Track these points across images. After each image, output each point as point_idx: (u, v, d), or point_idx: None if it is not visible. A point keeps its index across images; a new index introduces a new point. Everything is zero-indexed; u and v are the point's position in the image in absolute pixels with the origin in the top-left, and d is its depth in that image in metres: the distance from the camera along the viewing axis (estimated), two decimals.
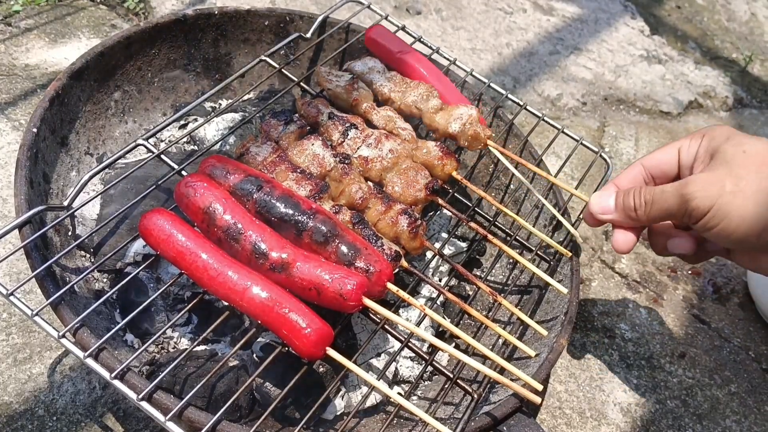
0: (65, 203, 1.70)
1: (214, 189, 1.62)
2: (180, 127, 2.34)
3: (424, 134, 2.37)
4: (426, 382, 2.03)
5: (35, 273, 1.53)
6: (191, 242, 1.52)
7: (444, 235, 2.32)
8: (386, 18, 2.49)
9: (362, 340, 1.93)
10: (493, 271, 2.31)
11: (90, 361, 1.43)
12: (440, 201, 1.94)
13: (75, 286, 1.68)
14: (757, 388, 2.46)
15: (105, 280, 1.91)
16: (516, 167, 2.08)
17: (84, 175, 1.74)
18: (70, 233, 1.90)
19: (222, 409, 1.41)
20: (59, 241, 1.82)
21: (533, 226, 2.03)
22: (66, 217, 1.69)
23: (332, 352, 1.48)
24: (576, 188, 2.14)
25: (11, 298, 1.47)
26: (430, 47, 2.45)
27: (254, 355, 1.80)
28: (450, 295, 1.73)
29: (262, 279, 1.50)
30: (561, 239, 2.04)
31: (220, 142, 2.05)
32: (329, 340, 1.48)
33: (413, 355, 1.97)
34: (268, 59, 2.16)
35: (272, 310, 1.46)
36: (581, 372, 2.36)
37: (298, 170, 1.81)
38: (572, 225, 2.05)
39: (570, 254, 1.99)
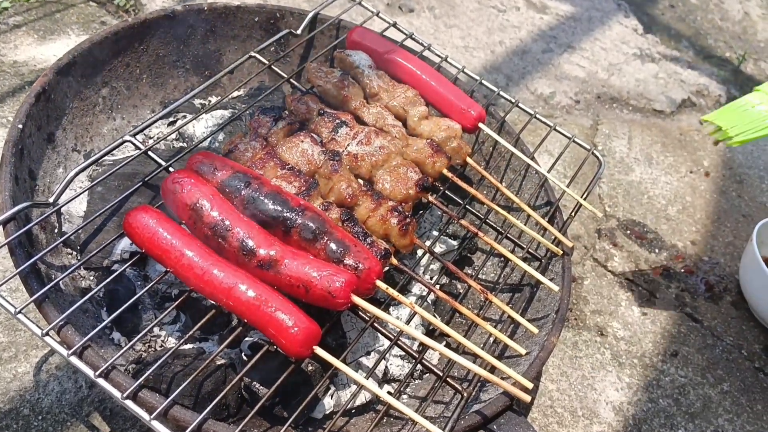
0: (51, 200, 1.68)
1: (202, 185, 1.60)
2: (168, 124, 2.32)
3: None
4: (416, 381, 2.02)
5: (19, 270, 1.51)
6: (176, 240, 1.50)
7: (435, 232, 2.30)
8: (377, 15, 2.47)
9: (351, 339, 1.91)
10: (485, 269, 2.29)
11: (74, 359, 1.41)
12: (431, 198, 1.93)
13: (61, 283, 1.66)
14: (750, 386, 2.45)
15: (91, 277, 1.89)
16: (501, 181, 2.07)
17: (70, 172, 1.72)
18: (56, 230, 1.88)
19: (208, 408, 1.39)
20: (45, 239, 1.80)
21: (525, 224, 2.01)
22: (51, 213, 1.67)
23: (320, 351, 1.46)
24: (568, 186, 2.13)
25: None
26: (422, 44, 2.43)
27: (242, 354, 1.78)
28: (440, 293, 1.72)
29: (248, 277, 1.48)
30: (553, 237, 2.03)
31: (208, 139, 2.03)
32: (317, 338, 1.46)
33: (403, 353, 1.95)
34: (257, 55, 2.15)
35: (258, 308, 1.44)
36: (573, 371, 2.35)
37: (287, 167, 1.80)
38: (564, 224, 2.03)
39: (561, 252, 1.98)
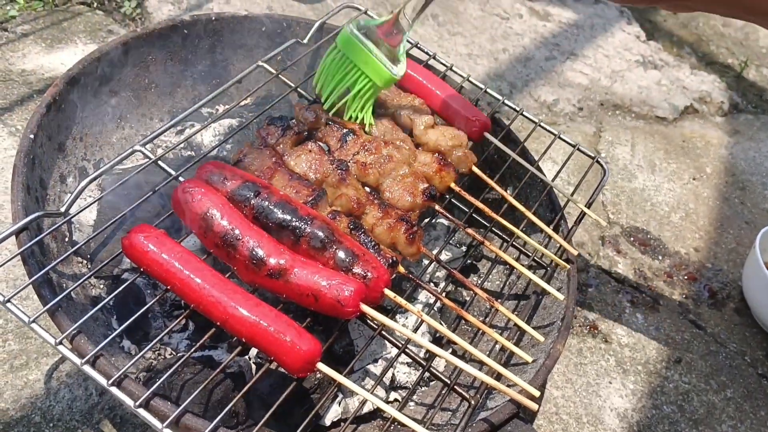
0: (62, 209, 1.69)
1: (212, 195, 1.62)
2: (177, 133, 2.34)
3: None
4: (423, 388, 2.03)
5: (32, 280, 1.53)
6: (173, 263, 1.50)
7: (441, 240, 2.32)
8: None
9: (359, 346, 1.93)
10: (490, 276, 2.31)
11: (87, 368, 1.43)
12: (437, 207, 1.94)
13: (72, 292, 1.67)
14: (753, 393, 2.46)
15: (102, 286, 1.91)
16: (506, 189, 2.09)
17: (81, 181, 1.74)
18: (66, 239, 1.90)
19: (219, 416, 1.40)
20: (56, 248, 1.82)
21: (530, 232, 2.03)
22: (63, 223, 1.68)
23: (323, 367, 1.46)
24: (572, 194, 2.15)
25: (8, 305, 1.47)
26: (427, 53, 2.45)
27: (251, 362, 1.80)
28: (447, 301, 1.73)
29: (246, 298, 1.48)
30: (558, 245, 2.04)
31: (217, 148, 2.05)
32: (318, 356, 1.45)
33: (410, 361, 1.97)
34: (265, 65, 2.17)
35: (257, 330, 1.44)
36: (578, 377, 2.36)
37: (295, 176, 1.82)
38: (569, 232, 2.05)
39: (567, 267, 1.99)
